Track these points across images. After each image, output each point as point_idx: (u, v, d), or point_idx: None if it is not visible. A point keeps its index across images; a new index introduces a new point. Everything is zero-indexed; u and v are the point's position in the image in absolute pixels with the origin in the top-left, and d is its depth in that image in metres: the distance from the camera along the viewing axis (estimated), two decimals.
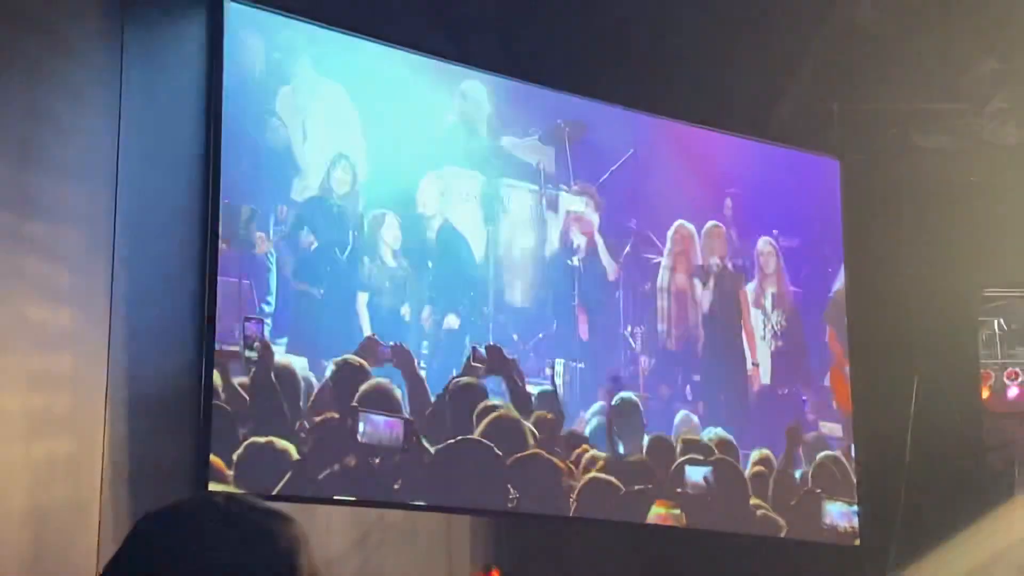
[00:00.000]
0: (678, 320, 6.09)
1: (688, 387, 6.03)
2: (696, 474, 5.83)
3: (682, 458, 5.81)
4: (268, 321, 4.75)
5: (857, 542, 6.21)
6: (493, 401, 5.32)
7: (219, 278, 4.68)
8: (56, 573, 3.96)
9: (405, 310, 5.20)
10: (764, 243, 6.39)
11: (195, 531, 1.29)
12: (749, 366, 6.24)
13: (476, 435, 5.21)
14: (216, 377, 4.56)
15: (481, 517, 5.42)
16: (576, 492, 5.45)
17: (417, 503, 5.10)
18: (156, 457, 4.37)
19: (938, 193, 6.52)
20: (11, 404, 3.99)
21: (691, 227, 6.16)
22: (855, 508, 6.19)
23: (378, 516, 5.09)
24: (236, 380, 4.62)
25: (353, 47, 5.29)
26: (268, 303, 4.81)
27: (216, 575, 1.26)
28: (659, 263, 6.05)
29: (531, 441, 5.37)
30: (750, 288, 6.33)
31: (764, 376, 6.27)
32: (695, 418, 5.95)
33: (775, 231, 6.47)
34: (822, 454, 6.25)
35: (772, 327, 6.34)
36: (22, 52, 4.14)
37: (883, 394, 6.40)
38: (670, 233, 6.09)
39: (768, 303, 6.35)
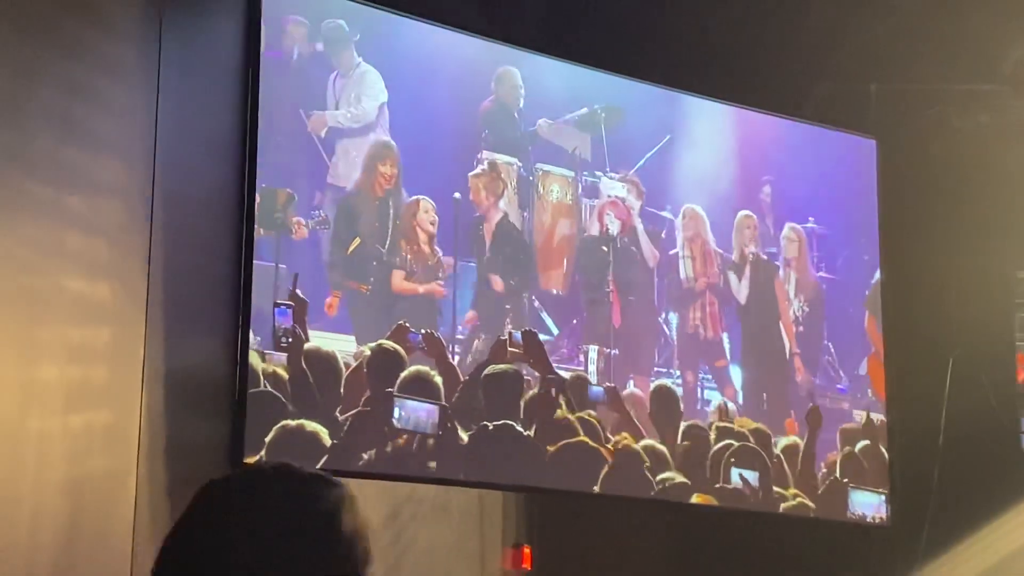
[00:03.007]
0: (710, 307, 6.07)
1: (723, 376, 6.02)
2: (744, 476, 5.82)
3: (725, 455, 5.79)
4: (298, 307, 4.76)
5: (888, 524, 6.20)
6: (532, 389, 5.33)
7: (255, 262, 4.70)
8: (94, 541, 4.00)
9: (440, 296, 5.22)
10: (788, 229, 6.38)
11: (246, 496, 1.41)
12: (788, 355, 6.23)
13: (516, 423, 5.22)
14: (252, 357, 4.59)
15: (513, 493, 5.42)
16: (609, 477, 5.45)
17: (448, 478, 5.12)
18: (191, 431, 4.40)
19: (975, 174, 6.49)
20: (50, 375, 4.03)
21: (699, 209, 6.12)
22: (883, 497, 6.17)
23: (410, 492, 5.11)
24: (268, 364, 4.64)
25: (392, 30, 5.32)
26: (302, 288, 4.84)
27: (265, 536, 1.37)
28: (674, 251, 6.04)
29: (576, 429, 5.38)
30: (782, 275, 6.31)
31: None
32: (732, 406, 5.95)
33: (811, 217, 6.46)
34: (857, 444, 6.23)
35: (794, 312, 6.32)
36: (62, 28, 4.18)
37: (917, 377, 6.37)
38: (679, 220, 6.06)
39: (791, 289, 6.34)
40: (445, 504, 5.27)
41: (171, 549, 1.41)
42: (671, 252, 6.01)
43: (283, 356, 4.68)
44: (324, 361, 4.80)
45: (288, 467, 1.47)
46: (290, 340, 4.70)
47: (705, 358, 6.01)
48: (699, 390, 5.95)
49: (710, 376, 5.99)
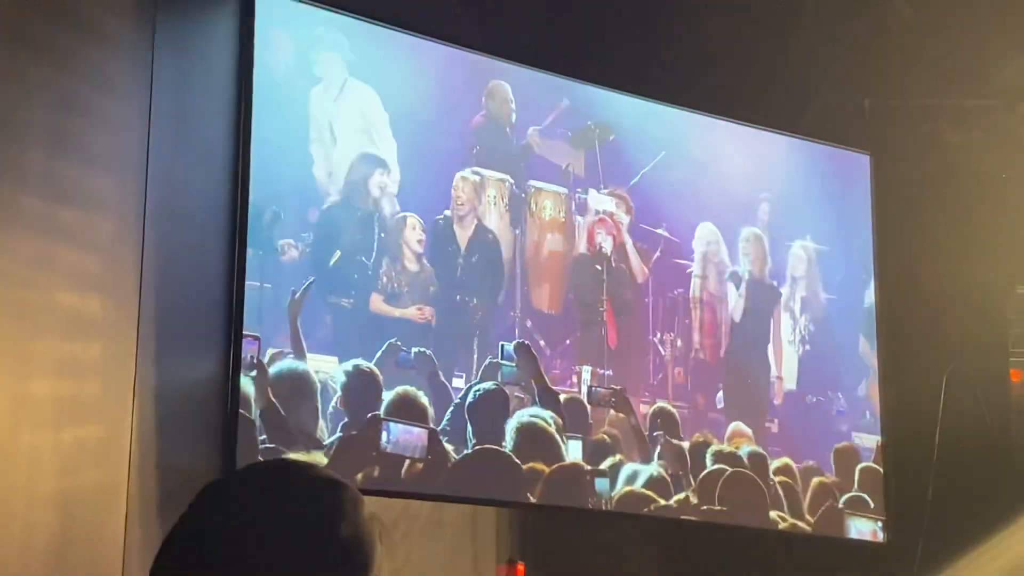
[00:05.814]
0: (712, 329, 6.05)
1: (720, 397, 5.99)
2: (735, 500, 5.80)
3: (717, 477, 5.76)
4: (262, 337, 4.68)
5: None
6: (522, 409, 5.28)
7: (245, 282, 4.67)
8: (84, 556, 3.97)
9: (428, 313, 5.17)
10: (798, 247, 6.36)
11: (244, 495, 1.38)
12: (772, 378, 6.20)
13: (506, 444, 5.17)
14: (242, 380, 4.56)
15: (506, 509, 5.41)
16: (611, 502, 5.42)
17: (442, 494, 5.07)
18: (182, 447, 4.38)
19: (969, 190, 6.49)
20: (41, 390, 4.01)
21: (715, 228, 6.12)
22: (879, 524, 6.13)
23: (403, 508, 5.09)
24: (254, 387, 4.59)
25: (383, 46, 5.29)
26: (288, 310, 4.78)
27: (259, 536, 1.33)
28: (690, 270, 6.02)
29: (563, 451, 5.34)
30: (783, 292, 6.29)
31: (789, 382, 6.22)
32: (748, 429, 5.92)
33: (808, 236, 6.44)
34: (856, 466, 6.20)
35: (800, 331, 6.30)
36: (54, 41, 4.17)
37: (912, 394, 6.37)
38: (696, 238, 6.05)
39: (796, 307, 6.32)
40: (438, 521, 5.24)
41: (168, 548, 1.39)
42: (685, 268, 5.99)
43: (265, 381, 4.61)
44: (303, 385, 4.73)
45: (290, 465, 1.44)
46: (255, 372, 4.62)
47: (698, 378, 5.98)
48: (706, 413, 5.91)
49: (704, 396, 5.96)
